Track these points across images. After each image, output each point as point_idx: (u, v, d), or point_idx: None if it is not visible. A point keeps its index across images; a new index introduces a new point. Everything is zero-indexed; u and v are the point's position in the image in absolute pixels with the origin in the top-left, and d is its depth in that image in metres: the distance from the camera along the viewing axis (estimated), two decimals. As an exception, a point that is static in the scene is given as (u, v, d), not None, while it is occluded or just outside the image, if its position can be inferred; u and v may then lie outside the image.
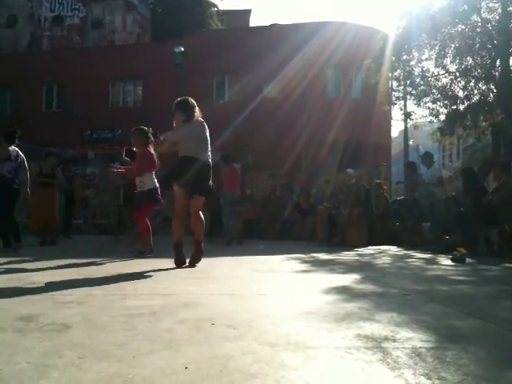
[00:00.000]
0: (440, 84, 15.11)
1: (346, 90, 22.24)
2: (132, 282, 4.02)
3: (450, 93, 15.00)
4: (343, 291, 3.54)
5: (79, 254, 7.08)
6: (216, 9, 31.68)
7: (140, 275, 4.50)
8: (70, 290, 3.45)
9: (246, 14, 33.28)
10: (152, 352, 1.86)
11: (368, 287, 3.88)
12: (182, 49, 18.72)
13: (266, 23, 25.68)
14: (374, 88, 16.24)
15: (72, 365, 1.69)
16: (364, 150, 20.09)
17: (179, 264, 5.29)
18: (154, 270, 4.87)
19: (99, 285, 3.78)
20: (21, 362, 1.71)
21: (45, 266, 5.10)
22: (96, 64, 22.53)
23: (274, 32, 21.75)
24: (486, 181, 10.94)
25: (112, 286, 3.76)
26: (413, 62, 14.44)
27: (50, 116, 23.34)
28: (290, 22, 24.40)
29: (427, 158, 10.54)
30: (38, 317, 2.47)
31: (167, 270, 5.02)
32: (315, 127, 19.33)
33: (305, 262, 6.44)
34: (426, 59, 14.76)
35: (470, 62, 14.19)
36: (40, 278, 4.02)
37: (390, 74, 15.10)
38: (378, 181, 13.39)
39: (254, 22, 45.08)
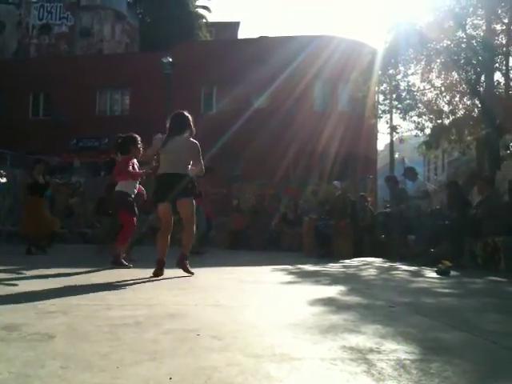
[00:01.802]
0: (425, 98, 15.29)
1: (333, 104, 22.38)
2: (117, 291, 4.00)
3: (435, 107, 15.18)
4: (329, 303, 3.55)
5: (64, 263, 7.01)
6: (204, 20, 31.81)
7: (125, 285, 4.47)
8: (54, 299, 3.41)
9: (235, 26, 33.47)
10: (136, 363, 1.84)
11: (353, 299, 3.88)
12: (170, 59, 18.72)
13: (255, 36, 25.81)
14: (361, 102, 16.37)
15: (55, 375, 1.67)
16: (352, 163, 20.22)
17: (156, 276, 5.29)
18: (139, 280, 4.85)
19: (84, 294, 3.74)
20: (3, 372, 1.69)
21: (29, 275, 5.06)
22: (83, 72, 22.46)
23: (262, 44, 21.87)
24: (470, 194, 11.06)
25: (97, 295, 3.73)
26: (399, 77, 14.58)
27: (37, 124, 23.16)
28: (279, 35, 24.56)
29: (410, 172, 10.66)
30: (21, 326, 2.44)
31: (153, 280, 4.99)
32: (303, 139, 19.41)
33: (291, 273, 6.44)
34: (412, 74, 14.92)
35: (456, 77, 14.38)
36: (24, 287, 3.98)
37: (377, 88, 15.24)
38: (361, 193, 13.47)
39: (242, 34, 45.31)
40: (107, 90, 23.97)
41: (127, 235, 6.70)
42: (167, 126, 5.68)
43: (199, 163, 5.67)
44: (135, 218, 6.77)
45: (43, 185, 9.40)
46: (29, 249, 8.99)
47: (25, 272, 5.39)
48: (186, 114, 5.71)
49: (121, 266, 6.33)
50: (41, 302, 3.28)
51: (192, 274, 5.49)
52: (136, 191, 6.89)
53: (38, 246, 9.11)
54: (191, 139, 5.61)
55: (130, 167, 6.70)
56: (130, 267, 6.31)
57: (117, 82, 23.15)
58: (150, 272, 5.45)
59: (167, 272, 5.67)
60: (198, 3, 31.94)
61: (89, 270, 5.82)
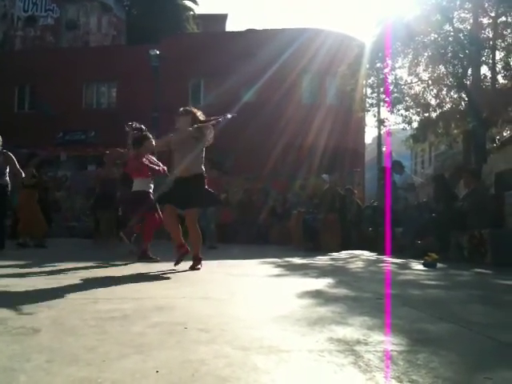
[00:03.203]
0: (413, 92, 15.35)
1: (321, 97, 22.39)
2: (104, 285, 3.97)
3: (422, 100, 15.24)
4: (317, 295, 3.55)
5: (50, 257, 6.96)
6: (192, 12, 31.59)
7: (112, 279, 4.45)
8: (40, 293, 3.38)
9: (223, 18, 33.30)
10: (123, 356, 1.83)
11: (341, 291, 3.90)
12: (158, 52, 18.62)
13: (242, 29, 25.73)
14: (349, 95, 16.38)
15: (40, 369, 1.65)
16: (340, 156, 20.26)
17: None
18: (127, 274, 4.82)
19: (70, 288, 3.71)
20: (-13, 367, 1.67)
21: (16, 269, 5.01)
22: (70, 65, 22.26)
23: (250, 37, 21.81)
24: (456, 187, 11.14)
25: (84, 289, 3.70)
26: (386, 70, 14.61)
27: (23, 117, 22.94)
28: (267, 28, 24.53)
29: (398, 166, 10.73)
30: (6, 320, 2.41)
31: (141, 273, 4.97)
32: (292, 133, 19.41)
33: (279, 266, 6.45)
34: (400, 67, 14.98)
35: (443, 70, 14.44)
36: (10, 281, 3.94)
37: (364, 82, 15.26)
38: (348, 187, 13.52)
39: (230, 26, 45.21)
40: (94, 83, 23.77)
41: (151, 231, 6.73)
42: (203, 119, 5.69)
43: None
44: (157, 213, 6.72)
45: (37, 179, 9.33)
46: (22, 243, 8.95)
47: (12, 266, 5.34)
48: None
49: (148, 259, 6.39)
50: (27, 295, 3.25)
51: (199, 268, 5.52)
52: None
53: (37, 243, 9.09)
54: None
55: (147, 162, 6.67)
56: (157, 260, 6.31)
57: (103, 75, 22.97)
58: (137, 266, 5.43)
59: (155, 266, 5.68)
60: (185, -5, 31.72)
61: (76, 263, 5.78)
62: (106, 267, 5.65)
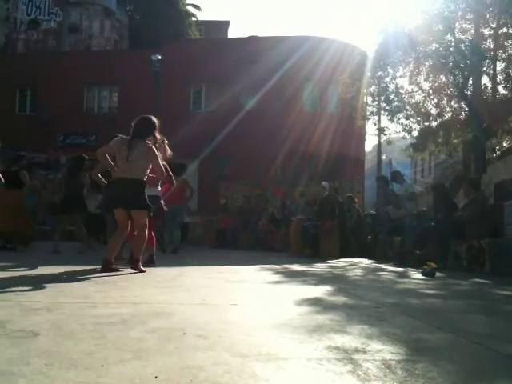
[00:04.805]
0: (413, 101, 15.40)
1: (323, 105, 22.43)
2: (102, 290, 3.96)
3: (422, 110, 15.29)
4: (315, 303, 3.55)
5: (49, 260, 6.95)
6: (194, 19, 31.69)
7: (110, 283, 4.44)
8: (39, 296, 3.38)
9: (225, 25, 33.39)
10: (121, 361, 1.83)
11: (340, 299, 3.90)
12: (160, 57, 18.66)
13: (245, 35, 25.77)
14: (349, 103, 16.41)
15: (39, 372, 1.65)
16: (341, 164, 20.27)
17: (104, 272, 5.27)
18: (124, 279, 4.82)
19: (69, 292, 3.71)
20: (-14, 370, 1.67)
21: (14, 272, 5.01)
22: (71, 69, 22.28)
23: (252, 44, 21.85)
24: (456, 197, 11.15)
25: (82, 293, 3.70)
26: (387, 79, 14.66)
27: (23, 119, 22.93)
28: (270, 35, 24.58)
29: (397, 176, 10.77)
30: (5, 323, 2.41)
31: (138, 278, 4.97)
32: (293, 140, 19.42)
33: (278, 272, 6.44)
34: (401, 76, 15.03)
35: (443, 80, 14.50)
36: (8, 284, 3.94)
37: (365, 90, 15.30)
38: (349, 194, 13.52)
39: (232, 33, 45.44)
40: (95, 87, 23.79)
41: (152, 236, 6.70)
42: (131, 128, 5.51)
43: (159, 168, 5.60)
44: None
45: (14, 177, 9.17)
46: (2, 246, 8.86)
47: (9, 269, 5.33)
48: (153, 119, 5.60)
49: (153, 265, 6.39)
50: (25, 299, 3.24)
51: (144, 271, 5.53)
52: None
53: (7, 246, 8.94)
54: (150, 145, 5.45)
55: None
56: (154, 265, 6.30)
57: (105, 79, 23.00)
58: (136, 271, 5.44)
59: (153, 270, 5.68)
60: (188, 1, 31.84)
61: (74, 267, 5.77)
62: (98, 270, 5.62)
